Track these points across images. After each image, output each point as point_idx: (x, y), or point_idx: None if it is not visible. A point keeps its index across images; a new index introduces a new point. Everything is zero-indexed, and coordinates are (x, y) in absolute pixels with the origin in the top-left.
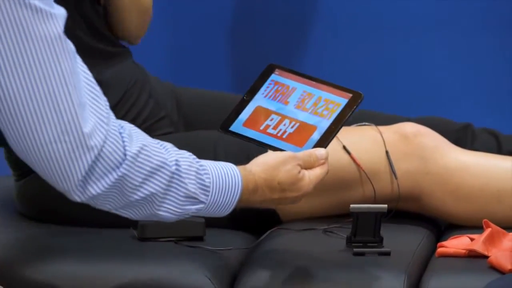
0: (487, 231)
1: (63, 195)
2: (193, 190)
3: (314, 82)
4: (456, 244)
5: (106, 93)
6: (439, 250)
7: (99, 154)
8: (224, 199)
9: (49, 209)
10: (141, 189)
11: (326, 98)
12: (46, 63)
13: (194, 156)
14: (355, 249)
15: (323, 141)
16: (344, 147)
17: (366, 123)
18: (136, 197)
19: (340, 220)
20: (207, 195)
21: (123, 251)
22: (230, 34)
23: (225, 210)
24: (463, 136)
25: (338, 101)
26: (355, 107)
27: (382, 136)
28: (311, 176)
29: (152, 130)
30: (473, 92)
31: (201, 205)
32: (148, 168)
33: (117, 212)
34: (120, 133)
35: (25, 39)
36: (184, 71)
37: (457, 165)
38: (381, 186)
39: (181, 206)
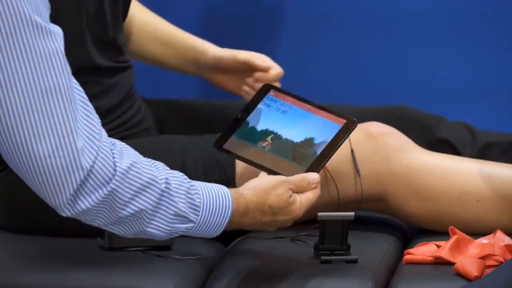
0: (453, 238)
1: (29, 203)
2: (183, 209)
3: (308, 106)
4: (423, 251)
5: (110, 92)
6: (406, 257)
7: (90, 170)
8: (214, 220)
9: (14, 216)
10: (130, 205)
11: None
12: (44, 78)
13: (185, 176)
14: (322, 257)
15: (316, 166)
16: None
17: None
18: (125, 213)
19: (307, 227)
20: (197, 215)
21: (90, 260)
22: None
23: (215, 231)
24: (434, 123)
25: (332, 126)
26: (348, 133)
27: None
28: (302, 200)
29: (134, 138)
30: (468, 90)
31: (191, 224)
32: (137, 185)
33: (107, 229)
34: (111, 149)
35: (24, 53)
36: (153, 80)
37: (420, 165)
38: (345, 185)
39: (170, 224)
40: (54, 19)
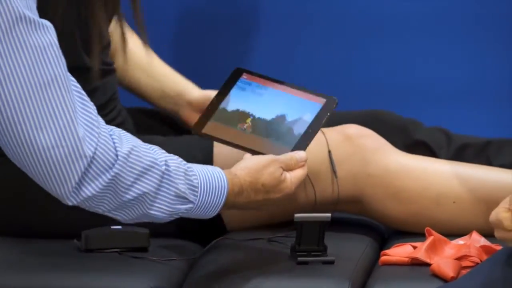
0: (430, 239)
1: (5, 204)
2: (183, 189)
3: (285, 87)
4: (399, 252)
5: (97, 93)
6: (383, 258)
7: (92, 156)
8: (212, 200)
9: None
10: (133, 189)
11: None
12: (41, 70)
13: (181, 159)
14: (299, 258)
15: (302, 145)
16: None
17: None
18: (128, 197)
19: (284, 229)
20: (196, 196)
21: (67, 262)
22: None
23: (212, 211)
24: (411, 126)
25: (312, 105)
26: (330, 111)
27: (325, 136)
28: (293, 177)
29: None
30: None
31: (190, 205)
32: (139, 168)
33: (110, 214)
34: (111, 135)
35: (20, 48)
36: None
37: (397, 167)
38: (322, 186)
39: (172, 205)
40: (44, 16)
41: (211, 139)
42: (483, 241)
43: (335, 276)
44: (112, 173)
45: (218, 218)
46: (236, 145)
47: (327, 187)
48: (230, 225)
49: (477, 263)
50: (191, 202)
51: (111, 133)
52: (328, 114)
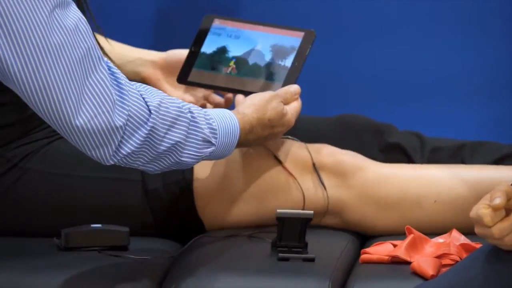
0: (409, 237)
1: None
2: (207, 133)
3: (259, 26)
4: (380, 250)
5: None
6: (363, 256)
7: (128, 114)
8: (228, 140)
9: None
10: (166, 139)
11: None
12: (78, 47)
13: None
14: (280, 254)
15: (292, 79)
16: (275, 157)
17: (290, 137)
18: (163, 147)
19: (264, 227)
20: (216, 138)
21: (46, 260)
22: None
23: (228, 151)
24: (385, 129)
25: (292, 40)
26: (312, 43)
27: (308, 150)
28: (292, 110)
29: None
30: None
31: (213, 148)
32: (169, 119)
33: (143, 167)
34: (139, 91)
35: (59, 30)
36: None
37: (376, 176)
38: (308, 198)
39: (200, 150)
40: None
41: (198, 86)
42: (463, 239)
43: (316, 273)
44: (148, 127)
45: (197, 219)
46: (225, 88)
47: (311, 199)
48: (210, 225)
49: (457, 261)
50: (213, 145)
51: (139, 89)
52: (310, 46)
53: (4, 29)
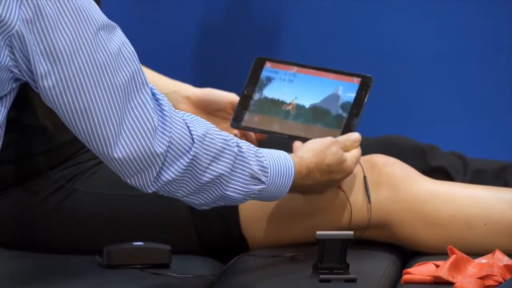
0: (452, 258)
1: (30, 221)
2: (256, 170)
3: (314, 70)
4: (422, 270)
5: None
6: (405, 277)
7: (170, 141)
8: (281, 181)
9: (12, 233)
10: (210, 170)
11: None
12: (122, 71)
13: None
14: (321, 276)
15: (350, 126)
16: None
17: None
18: (206, 179)
19: (307, 247)
20: (267, 177)
21: (88, 278)
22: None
23: (281, 192)
24: (428, 151)
25: (349, 86)
26: (369, 89)
27: (360, 162)
28: (352, 157)
29: None
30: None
31: (263, 186)
32: (214, 150)
33: (187, 199)
34: (184, 119)
35: (103, 54)
36: None
37: (426, 193)
38: (354, 212)
39: (246, 185)
40: None
41: (253, 131)
42: (506, 260)
43: None
44: (190, 156)
45: (241, 237)
46: (282, 134)
47: (358, 212)
48: (253, 244)
49: (501, 282)
50: (263, 183)
51: (184, 117)
52: (368, 92)
53: (47, 48)
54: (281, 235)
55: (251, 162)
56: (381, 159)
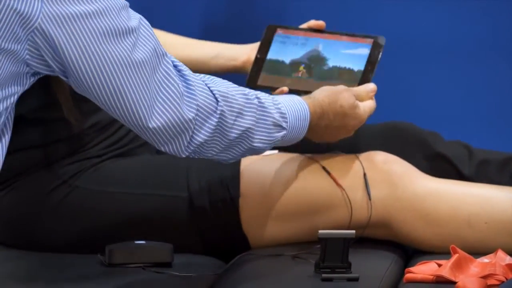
0: (455, 257)
1: (31, 219)
2: (277, 117)
3: (325, 34)
4: (424, 269)
5: None
6: (407, 275)
7: (197, 105)
8: (299, 123)
9: (14, 232)
10: (237, 126)
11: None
12: (144, 48)
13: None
14: (323, 275)
15: (366, 79)
16: (324, 168)
17: (338, 151)
18: (234, 135)
19: (309, 246)
20: (287, 122)
21: (91, 277)
22: None
23: (300, 134)
24: (432, 138)
25: (362, 45)
26: (381, 48)
27: (359, 160)
28: (365, 106)
29: (132, 153)
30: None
31: (284, 132)
32: (237, 106)
33: (217, 157)
34: (203, 81)
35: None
36: None
37: (426, 191)
38: (355, 209)
39: (271, 134)
40: None
41: (270, 90)
42: (508, 259)
43: None
44: (217, 116)
45: (242, 236)
46: (298, 91)
47: (358, 210)
48: (254, 242)
49: (503, 282)
50: (284, 128)
51: (203, 79)
52: (381, 51)
53: (73, 37)
54: (281, 233)
55: (272, 111)
56: (381, 157)
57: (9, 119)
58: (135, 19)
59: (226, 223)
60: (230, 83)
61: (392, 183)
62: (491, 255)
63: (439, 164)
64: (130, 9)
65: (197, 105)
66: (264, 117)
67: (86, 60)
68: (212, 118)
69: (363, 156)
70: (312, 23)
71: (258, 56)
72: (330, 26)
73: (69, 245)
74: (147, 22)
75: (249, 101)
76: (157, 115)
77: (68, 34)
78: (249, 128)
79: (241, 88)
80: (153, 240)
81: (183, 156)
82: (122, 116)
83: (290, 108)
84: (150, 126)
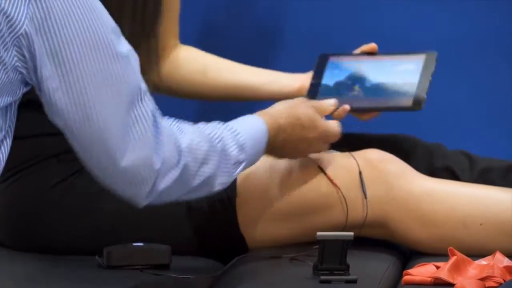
0: (453, 259)
1: (28, 221)
2: (236, 155)
3: (378, 56)
4: (422, 272)
5: None
6: (405, 278)
7: (163, 158)
8: (257, 150)
9: (12, 233)
10: (199, 175)
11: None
12: (127, 79)
13: (223, 123)
14: (321, 277)
15: (421, 91)
16: (319, 167)
17: (333, 150)
18: (196, 182)
19: (307, 248)
20: (246, 152)
21: (88, 279)
22: None
23: (259, 156)
24: (435, 150)
25: (415, 60)
26: (434, 63)
27: (355, 158)
28: (326, 122)
29: None
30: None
31: (243, 164)
32: (202, 154)
33: (179, 200)
34: (172, 130)
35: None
36: None
37: (422, 191)
38: (350, 209)
39: (231, 174)
40: None
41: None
42: (506, 261)
43: None
44: (179, 168)
45: (240, 236)
46: (356, 109)
47: (354, 209)
48: (252, 243)
49: (501, 284)
50: (243, 161)
51: (172, 125)
52: (435, 65)
53: (53, 49)
54: (278, 232)
55: (233, 153)
56: (376, 155)
57: (10, 127)
58: (125, 46)
59: (223, 223)
60: (198, 126)
61: (388, 182)
62: (489, 257)
63: (442, 175)
64: (122, 38)
65: (163, 157)
66: (225, 161)
67: (61, 72)
68: (174, 170)
69: (359, 154)
70: (364, 47)
71: (312, 82)
72: (331, 26)
73: (67, 245)
74: (136, 54)
75: (212, 147)
76: (129, 153)
77: (48, 43)
78: (211, 175)
79: (208, 130)
80: (151, 242)
81: (142, 205)
82: (91, 148)
83: (250, 136)
84: (122, 164)
